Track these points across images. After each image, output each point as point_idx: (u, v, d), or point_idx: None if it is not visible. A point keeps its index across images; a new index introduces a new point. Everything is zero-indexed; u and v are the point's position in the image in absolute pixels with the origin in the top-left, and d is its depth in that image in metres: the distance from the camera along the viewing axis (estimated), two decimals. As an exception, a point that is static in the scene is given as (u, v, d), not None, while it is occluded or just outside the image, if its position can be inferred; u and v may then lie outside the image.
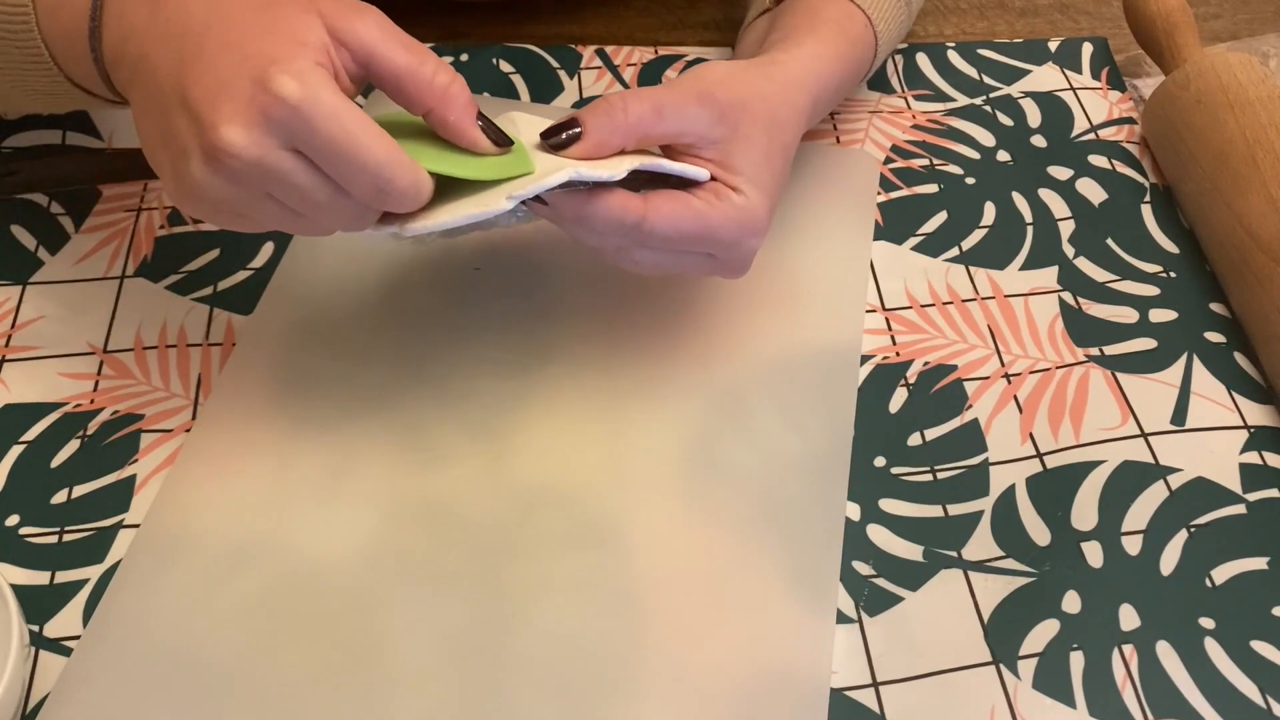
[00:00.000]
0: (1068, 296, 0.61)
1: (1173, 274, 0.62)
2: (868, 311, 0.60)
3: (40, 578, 0.50)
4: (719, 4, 0.78)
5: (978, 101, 0.71)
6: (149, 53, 0.44)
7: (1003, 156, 0.68)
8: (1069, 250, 0.63)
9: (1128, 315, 0.60)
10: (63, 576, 0.50)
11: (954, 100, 0.71)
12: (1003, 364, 0.58)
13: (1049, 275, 0.62)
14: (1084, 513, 0.53)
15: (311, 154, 0.42)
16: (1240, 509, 0.53)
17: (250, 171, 0.42)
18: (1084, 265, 0.63)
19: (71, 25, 0.47)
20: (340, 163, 0.42)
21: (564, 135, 0.48)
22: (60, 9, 0.47)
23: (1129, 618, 0.50)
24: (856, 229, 0.63)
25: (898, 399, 0.57)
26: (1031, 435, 0.55)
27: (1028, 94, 0.72)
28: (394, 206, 0.45)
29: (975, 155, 0.68)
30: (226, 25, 0.43)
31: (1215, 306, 0.61)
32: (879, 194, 0.66)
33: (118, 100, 0.48)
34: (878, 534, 0.52)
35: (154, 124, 0.44)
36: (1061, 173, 0.67)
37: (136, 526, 0.51)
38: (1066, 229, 0.65)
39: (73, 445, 0.54)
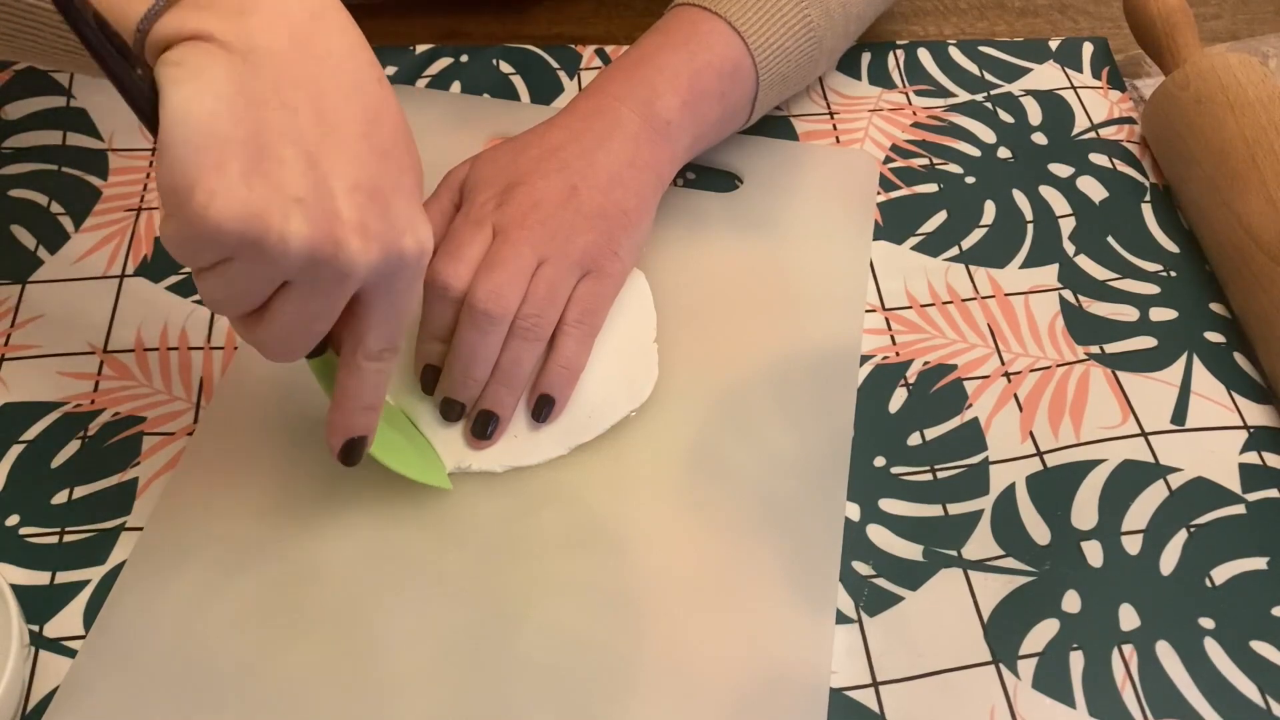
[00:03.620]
0: (1068, 294, 0.61)
1: (1173, 273, 0.62)
2: (867, 311, 0.60)
3: (40, 578, 0.50)
4: (719, 3, 0.78)
5: (979, 98, 0.71)
6: (270, 46, 0.39)
7: (1003, 153, 0.68)
8: (1069, 248, 0.63)
9: (1128, 313, 0.60)
10: (63, 577, 0.50)
11: (955, 96, 0.71)
12: (1003, 362, 0.58)
13: (1049, 273, 0.62)
14: (1084, 512, 0.53)
15: (385, 292, 0.42)
16: (1240, 509, 0.53)
17: (330, 274, 0.40)
18: (1084, 263, 0.63)
19: None
20: (394, 314, 0.44)
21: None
22: None
23: (1129, 617, 0.50)
24: (856, 229, 0.63)
25: (897, 399, 0.57)
26: (1032, 434, 0.55)
27: (1029, 92, 0.72)
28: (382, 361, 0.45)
29: (976, 152, 0.68)
30: (389, 119, 0.42)
31: (1215, 306, 0.61)
32: (878, 193, 0.66)
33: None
34: (878, 534, 0.52)
35: (252, 122, 0.38)
36: (1062, 170, 0.67)
37: (139, 529, 0.51)
38: (1067, 226, 0.64)
39: (73, 446, 0.54)
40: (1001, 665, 0.48)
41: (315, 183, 0.39)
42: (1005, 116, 0.70)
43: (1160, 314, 0.60)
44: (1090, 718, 0.47)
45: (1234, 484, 0.54)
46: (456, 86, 0.71)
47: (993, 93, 0.72)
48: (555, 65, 0.73)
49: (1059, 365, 0.58)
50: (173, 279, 0.60)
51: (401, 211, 0.41)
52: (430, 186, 0.58)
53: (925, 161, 0.68)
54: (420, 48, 0.73)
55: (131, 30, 0.39)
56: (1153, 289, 0.62)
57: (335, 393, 0.46)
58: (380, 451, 0.49)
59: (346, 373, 0.45)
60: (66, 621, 0.49)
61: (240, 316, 0.43)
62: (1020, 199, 0.66)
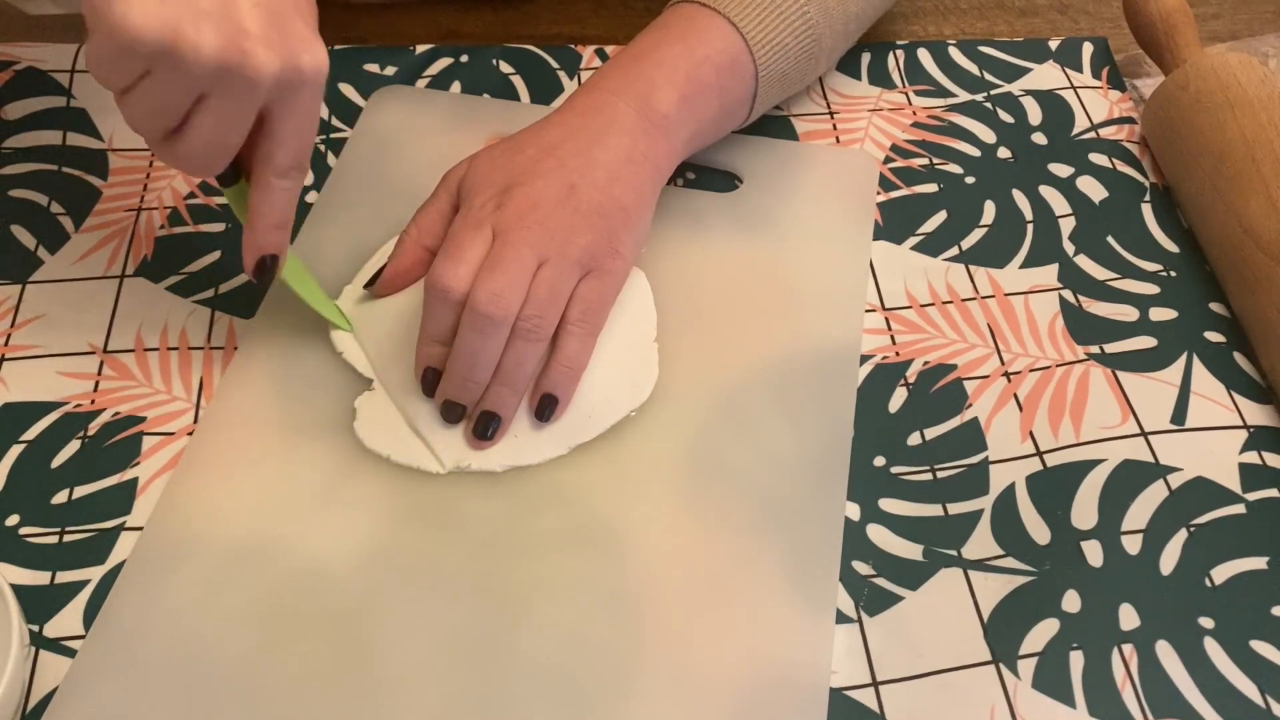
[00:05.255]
0: (1068, 294, 0.61)
1: (1173, 273, 0.62)
2: (867, 311, 0.60)
3: (40, 578, 0.50)
4: (719, 3, 0.78)
5: (979, 98, 0.71)
6: None
7: (1003, 153, 0.68)
8: (1069, 248, 0.63)
9: (1128, 313, 0.60)
10: (63, 577, 0.50)
11: (955, 96, 0.71)
12: (1002, 362, 0.58)
13: (1049, 273, 0.62)
14: (1084, 512, 0.53)
15: (289, 109, 0.47)
16: (1240, 509, 0.53)
17: (239, 82, 0.44)
18: (1084, 263, 0.63)
19: None
20: (298, 133, 0.48)
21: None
22: None
23: (1129, 617, 0.50)
24: (856, 229, 0.63)
25: (897, 399, 0.57)
26: (1031, 434, 0.55)
27: (1029, 91, 0.72)
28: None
29: (976, 152, 0.68)
30: None
31: (1215, 306, 0.61)
32: (878, 193, 0.66)
33: None
34: (877, 534, 0.52)
35: None
36: (1062, 170, 0.67)
37: (139, 529, 0.51)
38: (1067, 226, 0.64)
39: (73, 446, 0.54)
40: (1001, 665, 0.48)
41: (221, 1, 0.44)
42: (1005, 116, 0.70)
43: (1160, 314, 0.60)
44: (1090, 718, 0.47)
45: (1234, 484, 0.54)
46: (456, 86, 0.71)
47: (993, 93, 0.72)
48: (555, 65, 0.73)
49: (1059, 365, 0.58)
50: (173, 279, 0.60)
51: (299, 31, 0.46)
52: (429, 187, 0.58)
53: (925, 161, 0.68)
54: (420, 48, 0.73)
55: None
56: (1153, 289, 0.62)
57: (248, 214, 0.51)
58: (291, 278, 0.55)
59: (258, 192, 0.50)
60: (66, 621, 0.49)
61: (162, 138, 0.47)
62: (1020, 199, 0.66)
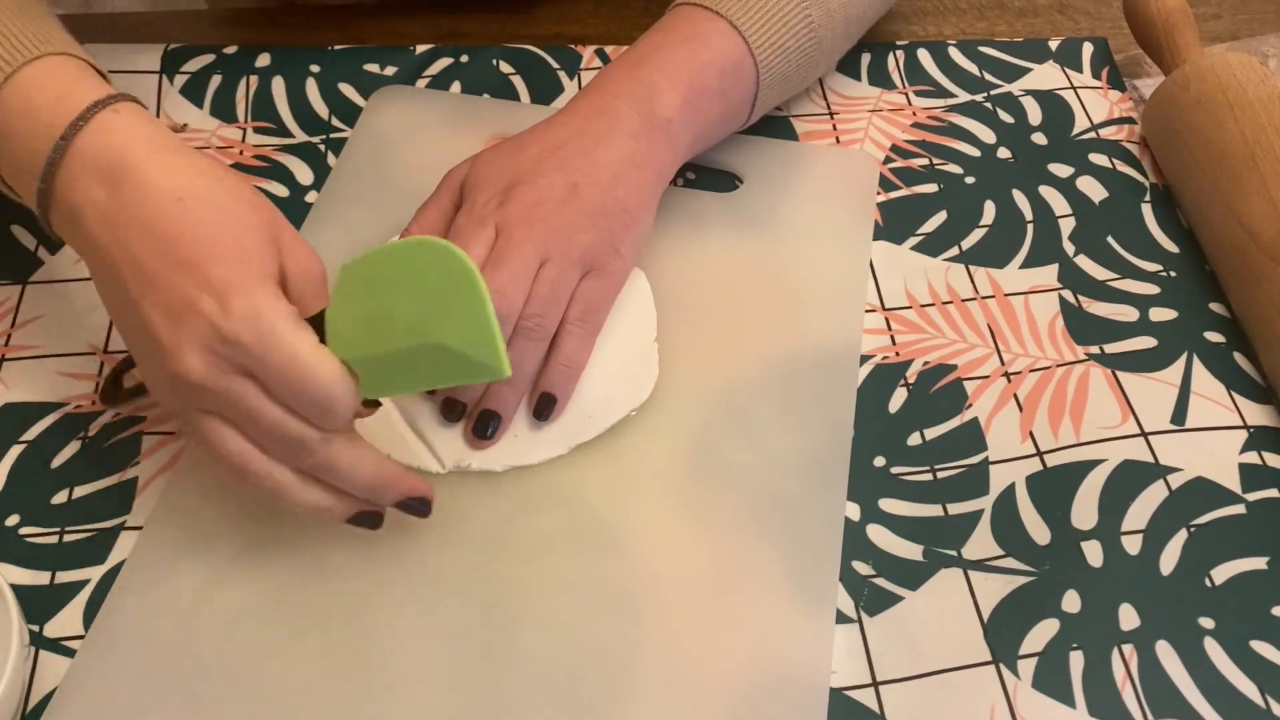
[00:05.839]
0: (1068, 294, 0.61)
1: (1173, 273, 0.62)
2: (867, 311, 0.60)
3: (40, 578, 0.50)
4: (719, 3, 0.78)
5: (979, 98, 0.71)
6: (103, 241, 0.45)
7: (1003, 154, 0.68)
8: (1069, 248, 0.63)
9: (1128, 314, 0.60)
10: (63, 577, 0.50)
11: (955, 96, 0.71)
12: (1002, 363, 0.58)
13: (1049, 273, 0.62)
14: (1084, 512, 0.53)
15: (263, 380, 0.43)
16: (1240, 509, 0.53)
17: (204, 395, 0.44)
18: (1084, 263, 0.63)
19: (23, 164, 0.47)
20: (289, 390, 0.43)
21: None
22: (12, 139, 0.47)
23: (1129, 617, 0.50)
24: (856, 229, 0.63)
25: (897, 399, 0.57)
26: (1031, 434, 0.55)
27: (1029, 92, 0.72)
28: (330, 423, 0.45)
29: (976, 152, 0.68)
30: (189, 234, 0.44)
31: (1215, 306, 0.61)
32: (879, 193, 0.66)
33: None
34: (877, 534, 0.52)
35: (117, 310, 0.46)
36: (1062, 170, 0.67)
37: (139, 529, 0.51)
38: (1067, 226, 0.64)
39: (74, 446, 0.54)
40: (1001, 665, 0.48)
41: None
42: (1005, 116, 0.70)
43: (1160, 314, 0.60)
44: (1090, 718, 0.47)
45: (1234, 484, 0.54)
46: (456, 86, 0.71)
47: (993, 93, 0.72)
48: (555, 65, 0.73)
49: (1059, 365, 0.58)
50: (173, 279, 0.60)
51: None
52: (429, 187, 0.58)
53: (925, 161, 0.68)
54: (420, 48, 0.73)
55: None
56: (1153, 289, 0.62)
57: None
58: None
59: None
60: (66, 621, 0.49)
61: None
62: (1020, 199, 0.66)
